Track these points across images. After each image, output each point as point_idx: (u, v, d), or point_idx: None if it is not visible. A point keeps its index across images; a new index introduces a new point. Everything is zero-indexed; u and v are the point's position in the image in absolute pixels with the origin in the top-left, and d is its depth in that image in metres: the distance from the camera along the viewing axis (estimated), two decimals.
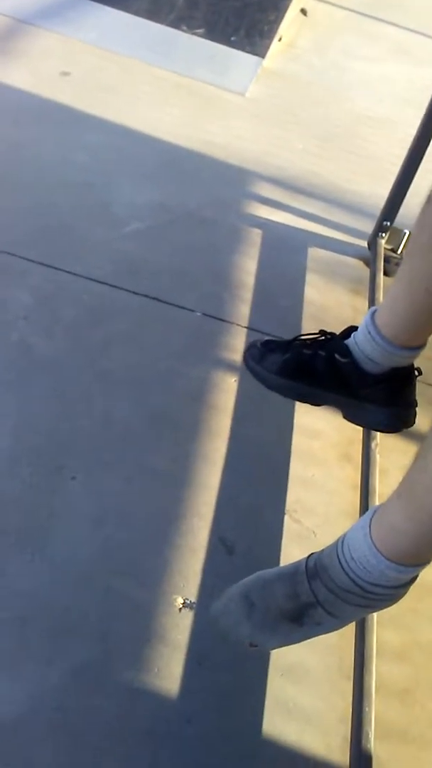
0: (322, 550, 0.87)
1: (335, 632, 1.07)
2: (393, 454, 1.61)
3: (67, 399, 1.54)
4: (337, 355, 1.17)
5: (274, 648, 0.88)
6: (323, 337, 1.22)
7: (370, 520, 0.82)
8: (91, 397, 1.56)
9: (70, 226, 1.95)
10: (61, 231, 1.93)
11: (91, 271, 1.83)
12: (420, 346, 1.15)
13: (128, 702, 1.16)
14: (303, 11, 3.37)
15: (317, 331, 1.24)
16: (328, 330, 1.23)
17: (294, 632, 0.85)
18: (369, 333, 1.13)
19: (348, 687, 1.24)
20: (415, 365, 1.18)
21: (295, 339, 1.25)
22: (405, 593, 0.84)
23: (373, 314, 1.15)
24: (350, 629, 1.28)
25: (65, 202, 2.02)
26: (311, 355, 1.20)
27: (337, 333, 1.22)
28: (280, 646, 0.88)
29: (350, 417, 1.24)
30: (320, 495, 1.52)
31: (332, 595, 0.82)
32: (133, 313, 1.77)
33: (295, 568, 0.88)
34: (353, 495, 1.52)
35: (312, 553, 0.89)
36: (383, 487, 1.46)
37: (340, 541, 0.85)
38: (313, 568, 0.85)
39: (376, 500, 1.44)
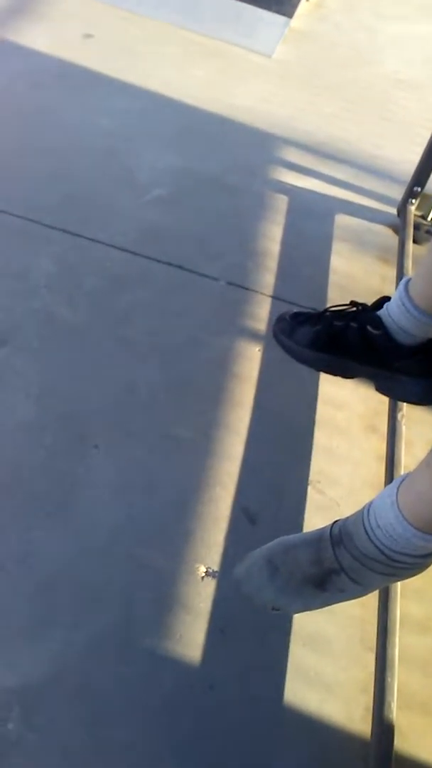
0: (347, 518, 0.86)
1: (357, 603, 1.07)
2: (419, 425, 1.59)
3: (91, 367, 1.54)
4: (369, 327, 1.14)
5: (296, 612, 0.88)
6: (354, 309, 1.20)
7: (398, 488, 0.81)
8: (114, 366, 1.55)
9: (92, 192, 1.92)
10: (84, 197, 1.90)
11: (114, 238, 1.81)
12: None
13: (151, 668, 1.17)
14: None
15: (348, 303, 1.21)
16: (359, 301, 1.20)
17: (316, 597, 0.85)
18: (403, 304, 1.11)
19: (370, 658, 1.24)
20: None
21: (326, 311, 1.22)
22: (430, 563, 0.83)
23: (406, 284, 1.12)
24: (373, 600, 1.28)
25: (88, 168, 1.99)
26: (343, 327, 1.17)
27: (368, 303, 1.19)
28: (302, 611, 0.88)
29: (383, 389, 1.22)
30: (344, 466, 1.50)
31: (357, 563, 0.82)
32: (157, 281, 1.75)
33: (319, 534, 0.87)
34: (378, 466, 1.50)
35: (337, 520, 0.88)
36: (408, 459, 1.44)
37: (366, 509, 0.84)
38: (338, 534, 0.84)
39: (402, 472, 1.42)
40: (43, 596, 1.21)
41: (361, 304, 1.19)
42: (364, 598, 1.16)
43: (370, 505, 0.85)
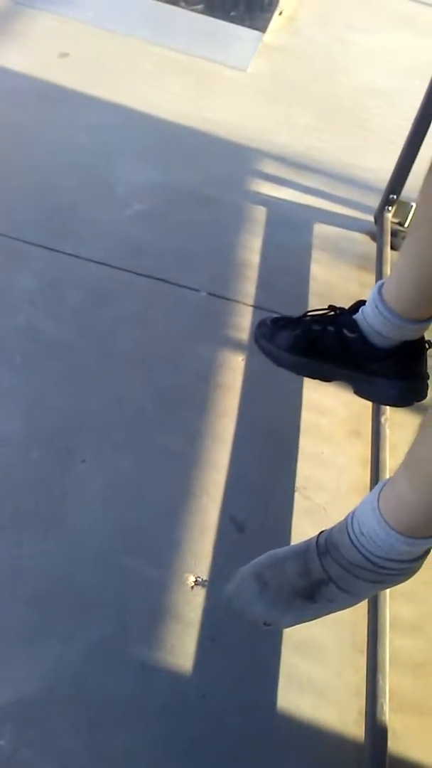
0: (333, 527, 0.87)
1: (348, 612, 1.08)
2: (403, 429, 1.60)
3: (77, 381, 1.54)
4: (345, 331, 1.16)
5: (288, 626, 0.88)
6: (332, 313, 1.21)
7: (379, 493, 0.81)
8: (99, 379, 1.56)
9: (72, 208, 1.94)
10: (64, 213, 1.92)
11: (95, 253, 1.82)
12: (430, 319, 1.14)
13: (144, 678, 1.17)
14: None
15: (326, 307, 1.23)
16: (337, 305, 1.22)
17: (307, 609, 0.85)
18: (377, 307, 1.12)
19: (361, 661, 1.25)
20: (426, 337, 1.17)
21: (304, 315, 1.24)
22: (418, 568, 0.83)
23: (380, 288, 1.13)
24: (363, 604, 1.28)
25: (67, 184, 2.00)
26: (320, 331, 1.19)
27: (346, 308, 1.21)
28: (294, 624, 0.88)
29: (361, 392, 1.23)
30: (330, 471, 1.52)
31: (344, 571, 0.82)
32: (139, 295, 1.76)
33: (306, 545, 0.87)
34: (363, 471, 1.52)
35: (323, 531, 0.88)
36: (394, 462, 1.45)
37: (350, 517, 0.85)
38: (324, 544, 0.85)
39: (387, 476, 1.43)
40: (34, 610, 1.21)
41: (339, 308, 1.21)
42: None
43: (353, 513, 0.85)
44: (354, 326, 1.15)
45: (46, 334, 1.62)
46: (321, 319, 1.21)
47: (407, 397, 1.21)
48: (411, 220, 2.03)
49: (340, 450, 1.56)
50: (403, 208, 2.06)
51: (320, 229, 2.10)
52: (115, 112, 2.28)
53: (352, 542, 0.81)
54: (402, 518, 0.78)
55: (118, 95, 2.34)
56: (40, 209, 1.90)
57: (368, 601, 1.27)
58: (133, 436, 1.48)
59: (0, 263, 1.74)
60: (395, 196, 2.04)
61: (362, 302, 1.19)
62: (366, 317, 1.15)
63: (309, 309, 1.26)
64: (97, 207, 1.96)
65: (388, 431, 1.50)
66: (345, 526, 0.83)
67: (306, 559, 0.85)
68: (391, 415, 1.53)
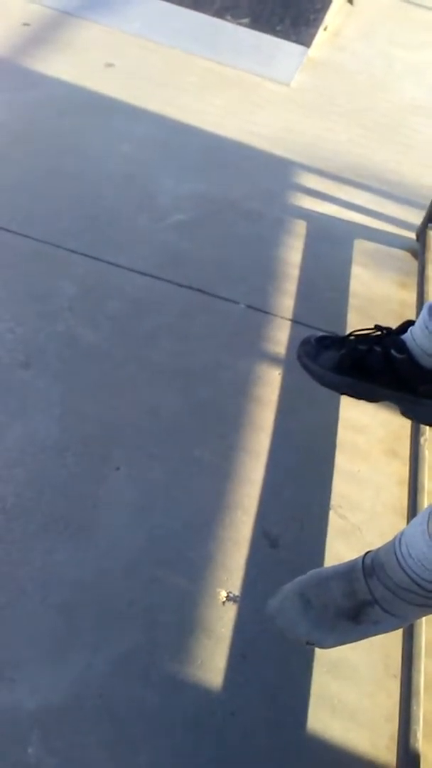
0: (379, 548, 0.86)
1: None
2: None
3: (113, 390, 1.55)
4: (393, 351, 1.15)
5: (331, 646, 0.87)
6: (378, 332, 1.20)
7: (429, 517, 0.80)
8: (136, 388, 1.56)
9: (113, 216, 1.95)
10: (106, 222, 1.93)
11: (135, 261, 1.83)
12: None
13: (172, 693, 1.16)
14: (349, 0, 3.31)
15: (372, 327, 1.21)
16: (382, 325, 1.21)
17: (351, 630, 0.84)
18: (427, 328, 1.11)
19: (394, 685, 1.22)
20: None
21: (350, 335, 1.22)
22: None
23: (430, 308, 1.12)
24: None
25: (109, 193, 2.02)
26: (367, 350, 1.18)
27: (393, 327, 1.20)
28: (337, 645, 0.86)
29: (409, 413, 1.22)
30: (366, 490, 1.49)
31: (390, 593, 0.81)
32: (178, 305, 1.76)
33: (351, 565, 0.86)
34: (400, 491, 1.49)
35: (369, 551, 0.87)
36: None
37: (398, 539, 0.83)
38: (370, 565, 0.84)
39: (425, 497, 1.41)
40: (64, 618, 1.21)
41: (386, 328, 1.20)
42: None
43: (401, 535, 0.84)
44: (402, 347, 1.14)
45: (85, 340, 1.62)
46: (367, 338, 1.20)
47: None
48: None
49: (376, 469, 1.53)
50: None
51: (361, 245, 2.08)
52: (159, 123, 2.30)
53: (400, 564, 0.80)
54: None
55: (163, 106, 2.36)
56: (82, 217, 1.92)
57: None
58: (167, 446, 1.48)
59: (42, 270, 1.75)
60: None
61: (410, 322, 1.18)
62: (415, 338, 1.13)
63: (349, 327, 1.25)
64: (138, 216, 1.97)
65: (427, 452, 1.47)
66: (392, 547, 0.83)
67: (351, 579, 0.84)
68: (430, 435, 1.51)
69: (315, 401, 1.60)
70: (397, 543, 0.83)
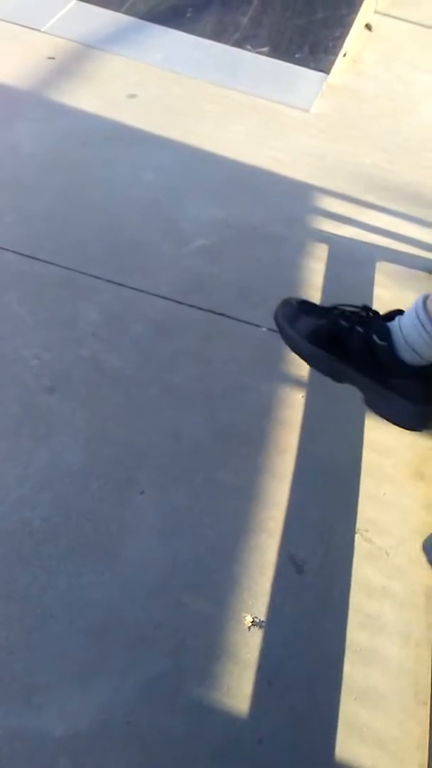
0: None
1: (410, 656, 1.03)
2: None
3: (137, 414, 1.56)
4: (375, 336, 1.09)
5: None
6: (365, 314, 1.15)
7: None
8: (160, 412, 1.57)
9: (137, 243, 1.98)
10: (129, 248, 1.95)
11: (158, 287, 1.85)
12: None
13: (199, 719, 1.15)
14: (368, 26, 3.35)
15: (360, 305, 1.17)
16: (372, 308, 1.17)
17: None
18: (418, 319, 1.06)
19: (424, 713, 1.20)
20: None
21: (335, 307, 1.17)
22: None
23: (425, 300, 1.06)
24: (426, 653, 1.24)
25: (133, 220, 2.05)
26: (348, 328, 1.13)
27: (381, 313, 1.16)
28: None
29: (371, 404, 1.16)
30: (393, 514, 1.48)
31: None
32: (200, 329, 1.77)
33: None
34: (428, 515, 1.47)
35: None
36: None
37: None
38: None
39: None
40: (92, 643, 1.21)
41: (373, 311, 1.15)
42: (417, 651, 1.14)
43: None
44: (386, 334, 1.09)
45: (109, 365, 1.64)
46: (351, 316, 1.15)
47: (420, 423, 1.14)
48: None
49: (403, 492, 1.52)
50: None
51: (383, 267, 2.08)
52: (180, 152, 2.33)
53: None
54: None
55: (184, 135, 2.39)
56: (106, 244, 1.95)
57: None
58: (191, 470, 1.48)
59: (67, 296, 1.78)
60: None
61: (399, 312, 1.13)
62: (402, 328, 1.08)
63: (340, 303, 1.19)
64: (161, 242, 1.99)
65: None
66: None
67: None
68: None
69: (339, 423, 1.60)
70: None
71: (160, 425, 1.55)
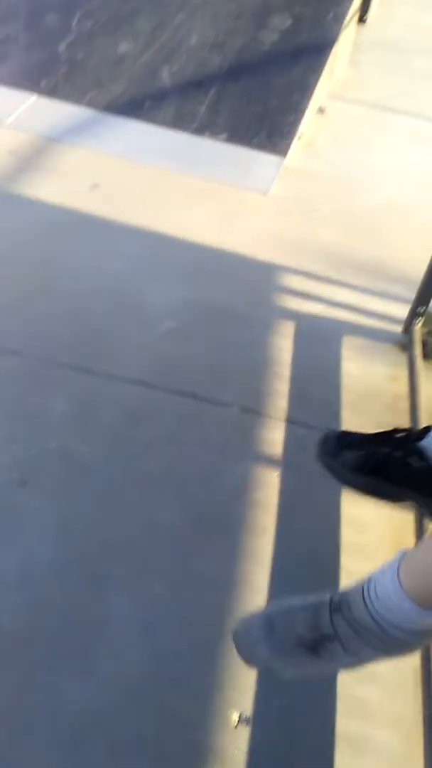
0: (349, 586, 0.87)
1: (401, 743, 1.00)
2: None
3: (111, 505, 1.53)
4: (414, 457, 1.16)
5: (288, 677, 0.88)
6: (399, 435, 1.22)
7: (399, 560, 0.83)
8: (134, 502, 1.54)
9: (105, 330, 1.99)
10: (97, 335, 1.97)
11: (128, 372, 1.85)
12: None
13: None
14: (321, 110, 3.51)
15: (392, 429, 1.23)
16: (402, 428, 1.23)
17: (309, 663, 0.85)
18: None
19: None
20: None
21: (371, 435, 1.24)
22: (425, 643, 0.83)
23: None
24: (417, 735, 1.20)
25: (100, 308, 2.07)
26: (387, 454, 1.19)
27: (414, 429, 1.22)
28: (295, 677, 0.88)
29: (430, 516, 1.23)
30: None
31: (352, 632, 0.82)
32: (172, 412, 1.77)
33: (320, 600, 0.87)
34: None
35: (340, 589, 0.89)
36: None
37: (367, 580, 0.85)
38: (338, 602, 0.85)
39: None
40: (74, 752, 1.15)
41: (405, 430, 1.21)
42: (406, 732, 1.10)
43: (371, 576, 0.86)
44: (422, 454, 1.15)
45: (80, 455, 1.62)
46: (387, 440, 1.21)
47: None
48: None
49: None
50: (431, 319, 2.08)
51: (350, 341, 2.12)
52: (144, 239, 2.38)
53: (365, 604, 0.82)
54: (418, 586, 0.80)
55: (148, 222, 2.45)
56: (74, 332, 1.96)
57: (423, 735, 1.18)
58: (168, 561, 1.45)
59: (36, 387, 1.77)
60: (423, 308, 2.06)
61: (430, 428, 1.19)
62: None
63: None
64: (129, 327, 2.01)
65: None
66: (361, 587, 0.85)
67: (317, 612, 0.85)
68: None
69: (315, 500, 1.59)
70: (366, 583, 0.84)
71: (135, 515, 1.52)
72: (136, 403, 1.77)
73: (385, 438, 1.23)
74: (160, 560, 1.44)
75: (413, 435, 1.21)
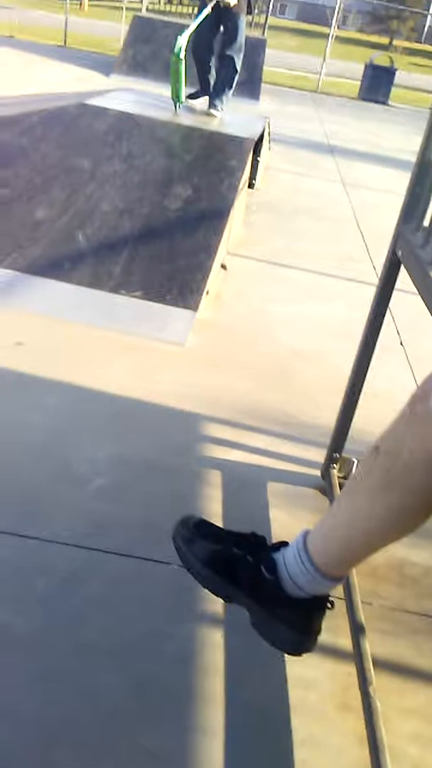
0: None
1: None
2: (390, 696, 1.56)
3: (48, 680, 1.45)
4: (263, 568, 1.18)
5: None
6: (254, 539, 1.24)
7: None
8: (74, 675, 1.47)
9: (33, 489, 1.96)
10: (24, 495, 1.93)
11: (59, 533, 1.82)
12: (344, 577, 1.18)
13: None
14: (223, 266, 3.79)
15: (249, 532, 1.26)
16: (260, 534, 1.27)
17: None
18: (299, 556, 1.15)
19: None
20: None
21: (229, 533, 1.27)
22: None
23: (305, 536, 1.17)
24: None
25: (25, 465, 2.05)
26: (240, 556, 1.21)
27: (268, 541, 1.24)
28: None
29: (258, 629, 1.22)
30: (327, 754, 1.43)
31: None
32: (107, 574, 1.74)
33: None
34: (361, 750, 1.43)
35: None
36: (391, 738, 1.39)
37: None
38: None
39: (386, 754, 1.36)
40: None
41: (261, 537, 1.24)
42: None
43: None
44: (273, 568, 1.17)
45: (13, 629, 1.55)
46: (242, 543, 1.24)
47: (300, 649, 1.23)
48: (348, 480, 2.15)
49: (332, 728, 1.48)
50: (347, 464, 2.19)
51: (273, 487, 2.19)
52: (68, 392, 2.42)
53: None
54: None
55: (71, 376, 2.50)
56: (2, 492, 1.92)
57: None
58: (112, 739, 1.37)
59: None
60: (338, 454, 2.17)
61: (284, 543, 1.22)
62: (286, 562, 1.17)
63: (231, 529, 1.29)
64: (58, 485, 1.99)
65: (378, 703, 1.45)
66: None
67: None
68: (377, 684, 1.49)
69: (261, 661, 1.57)
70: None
71: (74, 690, 1.45)
72: (69, 565, 1.73)
73: (242, 540, 1.25)
74: (103, 740, 1.36)
75: (268, 547, 1.23)
